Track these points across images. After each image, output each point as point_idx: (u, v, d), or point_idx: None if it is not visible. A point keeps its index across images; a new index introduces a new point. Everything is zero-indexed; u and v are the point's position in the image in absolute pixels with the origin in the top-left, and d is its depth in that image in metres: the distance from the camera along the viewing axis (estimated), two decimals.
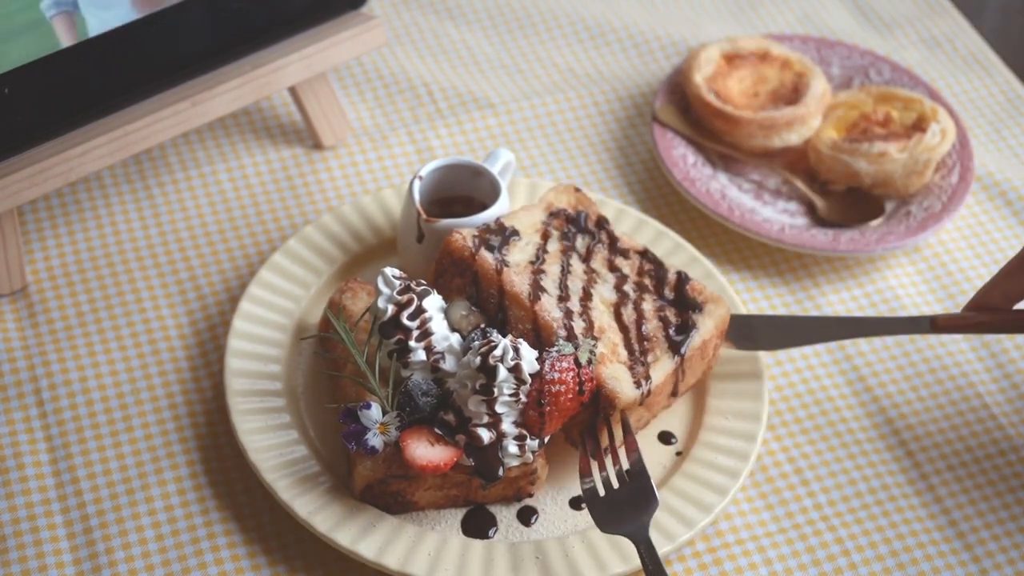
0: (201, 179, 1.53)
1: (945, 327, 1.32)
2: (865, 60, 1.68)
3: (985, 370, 1.44)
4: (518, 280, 1.29)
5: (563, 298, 1.29)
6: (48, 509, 1.26)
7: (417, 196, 1.38)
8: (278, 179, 1.54)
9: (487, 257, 1.29)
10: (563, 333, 1.25)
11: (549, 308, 1.27)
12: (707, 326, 1.32)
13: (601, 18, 1.76)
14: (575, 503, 1.28)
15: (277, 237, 1.49)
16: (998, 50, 1.80)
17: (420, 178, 1.39)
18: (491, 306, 1.29)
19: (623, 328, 1.29)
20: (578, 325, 1.27)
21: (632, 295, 1.32)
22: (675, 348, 1.29)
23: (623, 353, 1.27)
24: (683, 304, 1.32)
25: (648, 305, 1.32)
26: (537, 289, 1.28)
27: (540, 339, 1.26)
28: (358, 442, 1.20)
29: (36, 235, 1.47)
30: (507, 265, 1.30)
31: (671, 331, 1.30)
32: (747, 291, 1.49)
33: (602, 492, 1.22)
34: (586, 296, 1.30)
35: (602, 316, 1.29)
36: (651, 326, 1.30)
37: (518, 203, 1.48)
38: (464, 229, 1.32)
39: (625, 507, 1.21)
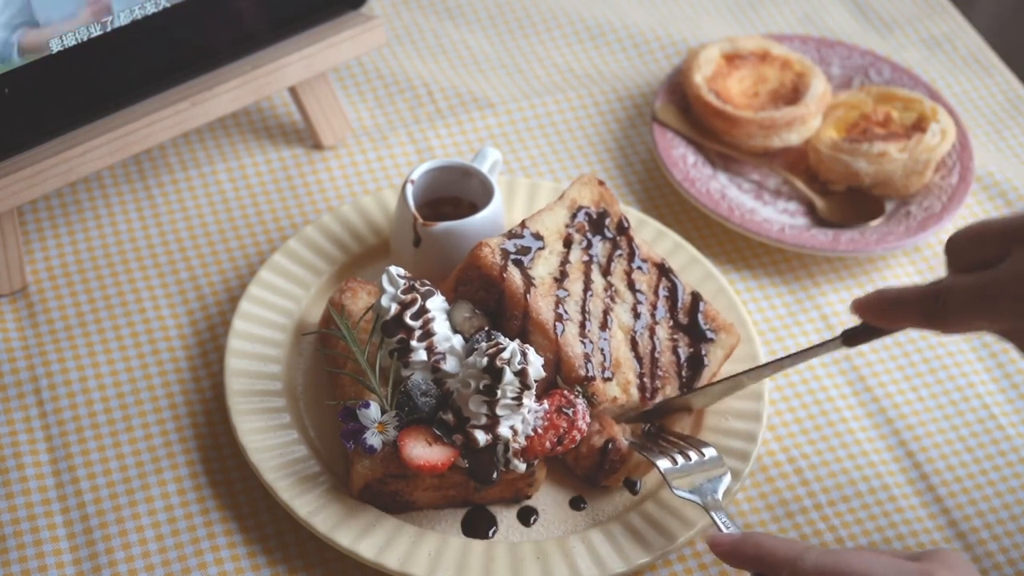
0: (201, 179, 1.53)
1: (855, 340, 1.22)
2: (865, 60, 1.68)
3: (985, 370, 1.44)
4: (544, 306, 1.28)
5: (584, 324, 1.28)
6: (48, 509, 1.26)
7: (411, 201, 1.38)
8: (278, 179, 1.54)
9: (515, 277, 1.28)
10: (583, 373, 1.25)
11: (572, 343, 1.27)
12: (717, 357, 1.32)
13: (601, 18, 1.76)
14: (575, 503, 1.28)
15: (277, 237, 1.49)
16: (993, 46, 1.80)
17: (412, 182, 1.39)
18: (513, 326, 1.28)
19: (637, 359, 1.29)
20: (596, 359, 1.27)
21: (648, 319, 1.32)
22: (685, 386, 1.30)
23: (634, 393, 1.28)
24: (696, 332, 1.32)
25: (662, 332, 1.31)
26: (559, 318, 1.27)
27: (560, 371, 1.26)
28: (356, 441, 1.20)
29: (36, 235, 1.47)
30: (533, 285, 1.29)
31: (683, 362, 1.30)
32: (747, 291, 1.49)
33: (678, 463, 1.24)
34: (605, 322, 1.29)
35: (619, 347, 1.29)
36: (664, 359, 1.30)
37: (518, 203, 1.48)
38: (492, 240, 1.30)
39: (697, 475, 1.23)
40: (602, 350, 1.28)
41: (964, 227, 1.11)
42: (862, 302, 1.14)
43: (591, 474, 1.28)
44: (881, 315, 1.13)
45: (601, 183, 1.37)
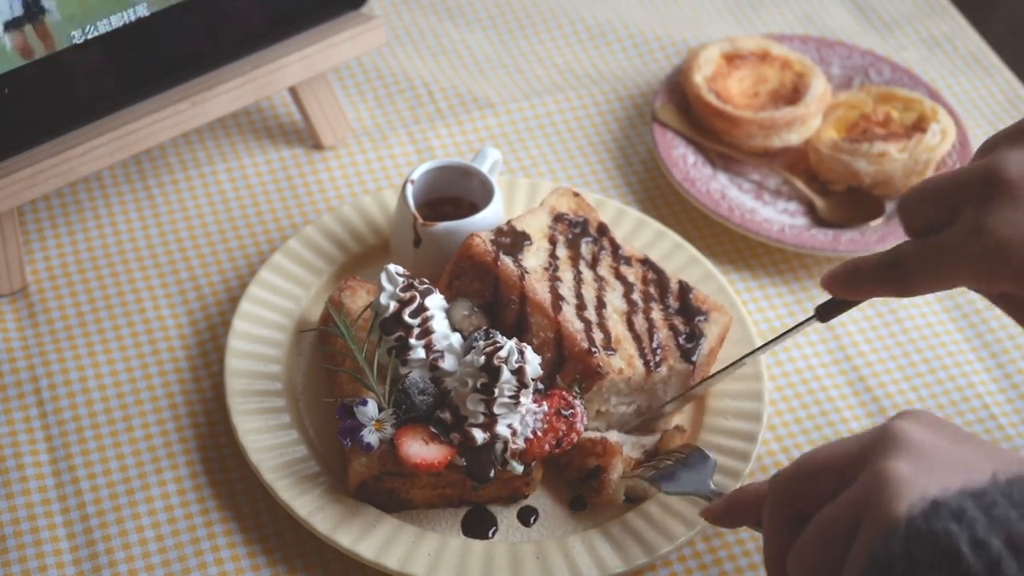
0: (201, 179, 1.53)
1: (828, 314, 1.22)
2: (865, 60, 1.68)
3: (985, 370, 1.44)
4: (540, 288, 1.29)
5: (580, 307, 1.29)
6: (48, 509, 1.26)
7: (411, 201, 1.38)
8: (278, 179, 1.54)
9: (508, 263, 1.29)
10: (585, 345, 1.25)
11: (571, 319, 1.27)
12: (713, 333, 1.33)
13: (601, 18, 1.76)
14: (575, 503, 1.28)
15: (277, 237, 1.49)
16: (1008, 51, 1.80)
17: (412, 182, 1.39)
18: (511, 312, 1.28)
19: (636, 338, 1.29)
20: (597, 336, 1.27)
21: (641, 304, 1.32)
22: (687, 356, 1.30)
23: (639, 365, 1.28)
24: (688, 312, 1.33)
25: (657, 314, 1.32)
26: (557, 298, 1.28)
27: (562, 349, 1.27)
28: (353, 438, 1.20)
29: (36, 235, 1.47)
30: (526, 271, 1.29)
31: (681, 340, 1.31)
32: (747, 291, 1.49)
33: (662, 468, 1.25)
34: (600, 305, 1.30)
35: (616, 326, 1.30)
36: (662, 335, 1.31)
37: (518, 203, 1.49)
38: (482, 233, 1.31)
39: (683, 471, 1.24)
40: (601, 326, 1.28)
41: (913, 187, 1.09)
42: (829, 276, 1.15)
43: (573, 483, 1.28)
44: (846, 287, 1.14)
45: (576, 194, 1.39)
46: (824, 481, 0.94)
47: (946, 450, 0.90)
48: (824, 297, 1.36)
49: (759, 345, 1.32)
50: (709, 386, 1.32)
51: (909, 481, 0.87)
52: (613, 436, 1.27)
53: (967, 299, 1.50)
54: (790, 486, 0.97)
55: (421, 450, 1.19)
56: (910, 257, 1.08)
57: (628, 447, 1.27)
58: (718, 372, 1.31)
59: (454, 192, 1.43)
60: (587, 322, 1.28)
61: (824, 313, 1.21)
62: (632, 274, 1.35)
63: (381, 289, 1.25)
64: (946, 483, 0.87)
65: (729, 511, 1.08)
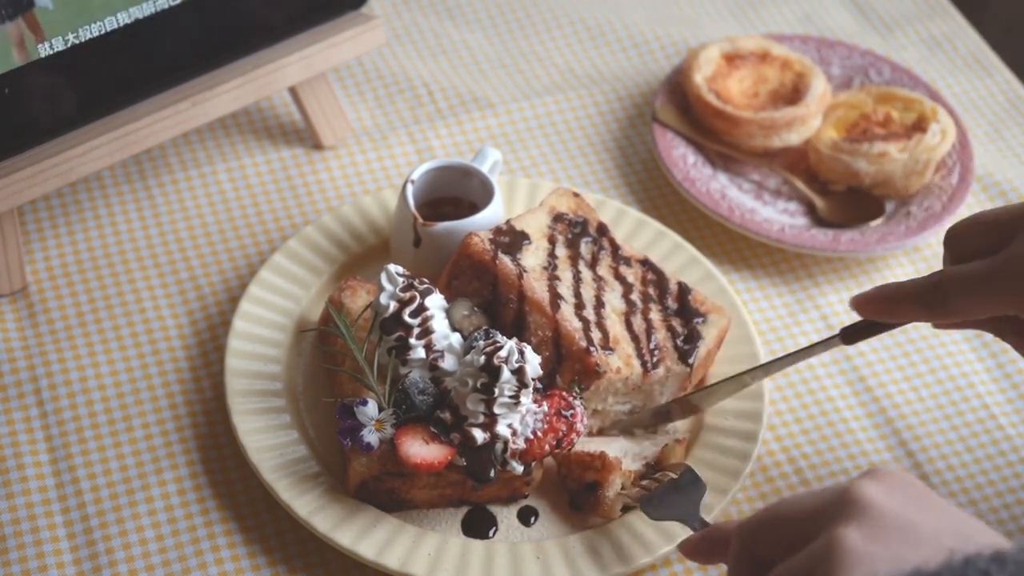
0: (201, 179, 1.53)
1: (854, 337, 1.21)
2: (865, 60, 1.68)
3: (985, 370, 1.44)
4: (538, 287, 1.29)
5: (579, 306, 1.29)
6: (48, 509, 1.26)
7: (411, 201, 1.38)
8: (278, 179, 1.54)
9: (506, 262, 1.29)
10: (583, 343, 1.25)
11: (569, 318, 1.27)
12: (711, 335, 1.33)
13: (601, 18, 1.76)
14: (575, 503, 1.28)
15: (277, 237, 1.49)
16: (1000, 50, 1.80)
17: (412, 182, 1.39)
18: (509, 311, 1.29)
19: (634, 338, 1.30)
20: (596, 335, 1.27)
21: (639, 304, 1.32)
22: (684, 358, 1.30)
23: (636, 366, 1.28)
24: (687, 314, 1.33)
25: (655, 315, 1.32)
26: (556, 297, 1.28)
27: (560, 347, 1.27)
28: (353, 438, 1.20)
29: (36, 235, 1.47)
30: (525, 271, 1.30)
31: (679, 341, 1.31)
32: (747, 291, 1.49)
33: (655, 492, 1.25)
34: (599, 305, 1.30)
35: (615, 326, 1.30)
36: (660, 336, 1.31)
37: (518, 203, 1.49)
38: (480, 232, 1.31)
39: (671, 496, 1.23)
40: (600, 326, 1.29)
41: (963, 218, 1.11)
42: (861, 298, 1.14)
43: (571, 493, 1.27)
44: (881, 309, 1.13)
45: (576, 194, 1.39)
46: (784, 534, 0.93)
47: (905, 520, 0.88)
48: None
49: (769, 360, 1.30)
50: (708, 404, 1.32)
51: (858, 554, 0.86)
52: (616, 447, 1.27)
53: None
54: (753, 534, 0.97)
55: (421, 450, 1.19)
56: (955, 278, 1.08)
57: (629, 459, 1.27)
58: (719, 383, 1.30)
59: (454, 192, 1.43)
60: (585, 321, 1.28)
61: (851, 336, 1.19)
62: (631, 274, 1.35)
63: (381, 289, 1.25)
64: (899, 560, 0.85)
65: (701, 548, 1.08)
